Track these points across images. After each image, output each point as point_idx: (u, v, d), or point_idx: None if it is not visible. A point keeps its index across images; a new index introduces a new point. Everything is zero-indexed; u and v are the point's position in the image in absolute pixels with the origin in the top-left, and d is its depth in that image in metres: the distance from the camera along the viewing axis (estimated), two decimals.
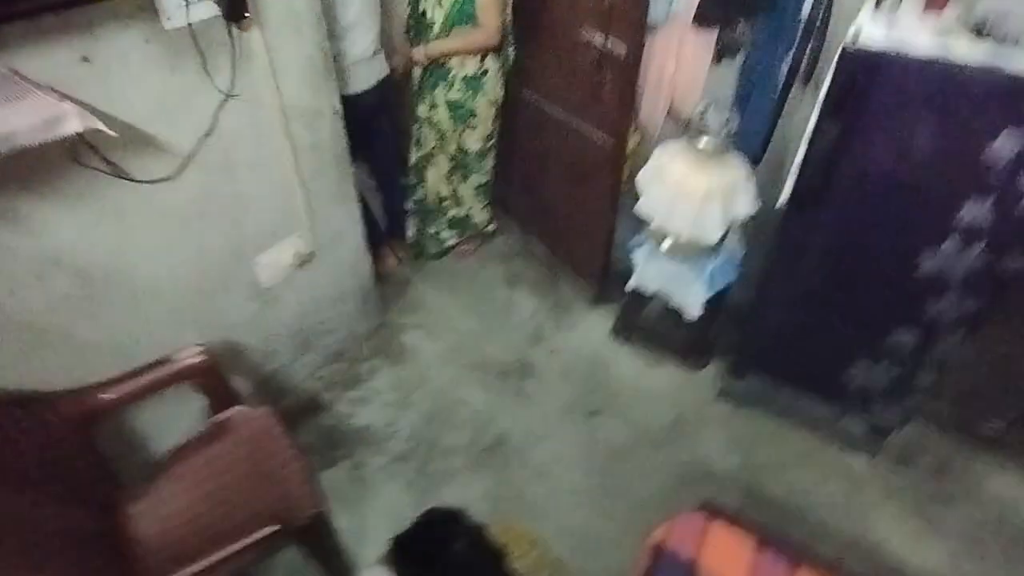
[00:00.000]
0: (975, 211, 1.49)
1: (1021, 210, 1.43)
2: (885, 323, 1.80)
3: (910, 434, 2.17)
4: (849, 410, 2.08)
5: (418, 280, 2.80)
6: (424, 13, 2.22)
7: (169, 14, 1.39)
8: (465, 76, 2.27)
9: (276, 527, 1.30)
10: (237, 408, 1.70)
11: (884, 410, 1.99)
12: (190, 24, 1.43)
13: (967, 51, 1.37)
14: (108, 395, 1.50)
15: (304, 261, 2.06)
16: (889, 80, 1.45)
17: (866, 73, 1.46)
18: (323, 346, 2.35)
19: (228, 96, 1.60)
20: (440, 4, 2.17)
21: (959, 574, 1.85)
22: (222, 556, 1.27)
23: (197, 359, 1.61)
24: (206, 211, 1.70)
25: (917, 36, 1.43)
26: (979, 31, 1.39)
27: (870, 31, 1.47)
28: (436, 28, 2.21)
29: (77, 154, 1.35)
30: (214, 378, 1.66)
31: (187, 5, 1.41)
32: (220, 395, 1.69)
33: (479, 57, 2.25)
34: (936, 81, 1.40)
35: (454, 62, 2.26)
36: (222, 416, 1.70)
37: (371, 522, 1.92)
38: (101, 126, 1.21)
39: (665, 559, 1.23)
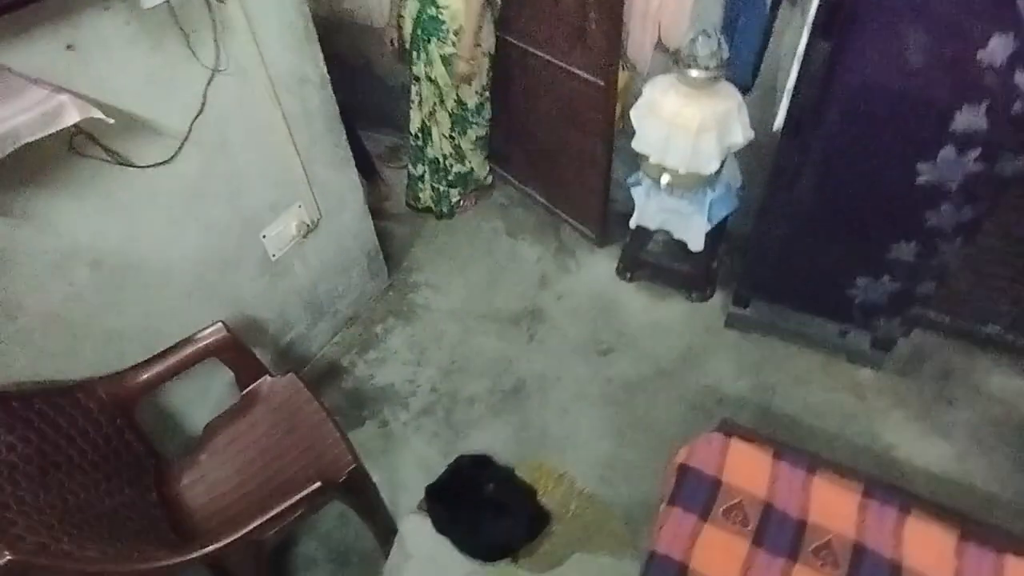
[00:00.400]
0: (969, 118, 1.50)
1: (1014, 112, 1.44)
2: (884, 239, 1.84)
3: (913, 343, 2.25)
4: (853, 326, 2.14)
5: (421, 238, 2.82)
6: None
7: None
8: (459, 28, 2.24)
9: (318, 484, 1.37)
10: (264, 378, 1.76)
11: (886, 323, 2.05)
12: (168, 1, 1.41)
13: None
14: (142, 377, 1.55)
15: (309, 230, 2.08)
16: None
17: None
18: (336, 312, 2.40)
19: (215, 71, 1.59)
20: None
21: (966, 470, 1.94)
22: (271, 515, 1.34)
23: (220, 335, 1.66)
24: (208, 190, 1.71)
25: None
26: None
27: None
28: None
29: (76, 145, 1.35)
30: (238, 352, 1.71)
31: None
32: (246, 367, 1.75)
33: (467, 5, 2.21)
34: None
35: (446, 14, 2.22)
36: (251, 387, 1.76)
37: (403, 474, 2.02)
38: (98, 114, 1.21)
39: (690, 476, 1.30)
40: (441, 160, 2.66)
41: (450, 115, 2.50)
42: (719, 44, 1.89)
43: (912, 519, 1.21)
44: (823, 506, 1.23)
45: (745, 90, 2.09)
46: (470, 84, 2.41)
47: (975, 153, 1.55)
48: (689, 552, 1.20)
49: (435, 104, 2.47)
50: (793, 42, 1.95)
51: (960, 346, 2.24)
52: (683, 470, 1.32)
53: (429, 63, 2.35)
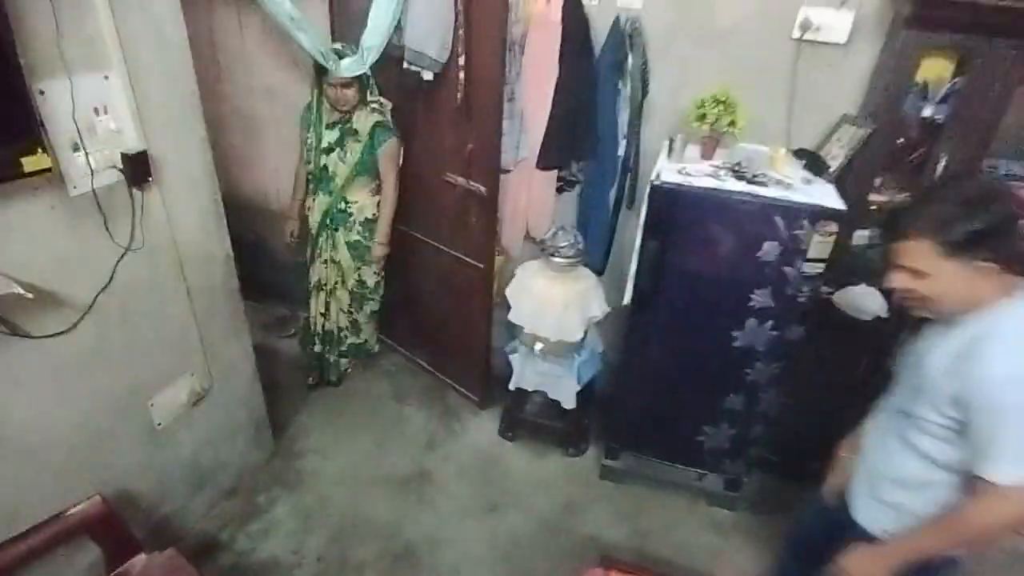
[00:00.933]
0: (762, 297, 1.97)
1: (788, 294, 1.94)
2: (719, 391, 2.21)
3: (757, 483, 2.58)
4: (707, 470, 2.44)
5: (307, 405, 2.86)
6: (326, 168, 2.48)
7: (75, 183, 1.53)
8: (364, 219, 2.56)
9: None
10: (139, 556, 1.67)
11: (732, 465, 2.38)
12: (94, 190, 1.57)
13: (732, 185, 1.89)
14: (2, 558, 1.43)
15: (200, 398, 2.10)
16: (686, 206, 1.93)
17: (669, 201, 1.94)
18: (217, 482, 2.32)
19: (127, 250, 1.71)
20: (342, 161, 2.45)
21: None
22: None
23: (94, 509, 1.59)
24: (101, 360, 1.73)
25: (698, 175, 1.95)
26: (738, 173, 1.94)
27: (667, 171, 1.97)
28: (338, 180, 2.48)
29: None
30: (113, 527, 1.63)
31: (92, 174, 1.56)
32: (119, 545, 1.65)
33: (376, 203, 2.54)
34: (716, 206, 1.89)
35: (354, 208, 2.53)
36: (122, 568, 1.65)
37: None
38: (19, 289, 1.29)
39: None
40: (336, 332, 2.82)
41: (350, 293, 2.72)
42: (575, 237, 2.34)
43: None
44: None
45: (599, 273, 2.54)
46: (372, 265, 2.67)
47: (770, 323, 2.01)
48: None
49: (336, 283, 2.69)
50: (632, 236, 2.45)
51: (795, 485, 2.59)
52: None
53: (334, 248, 2.60)
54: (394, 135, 2.46)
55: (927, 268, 1.16)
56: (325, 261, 2.65)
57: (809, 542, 1.63)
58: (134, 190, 1.68)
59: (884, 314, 2.16)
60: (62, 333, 1.60)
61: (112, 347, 1.76)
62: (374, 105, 2.41)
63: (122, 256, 1.70)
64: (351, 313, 2.78)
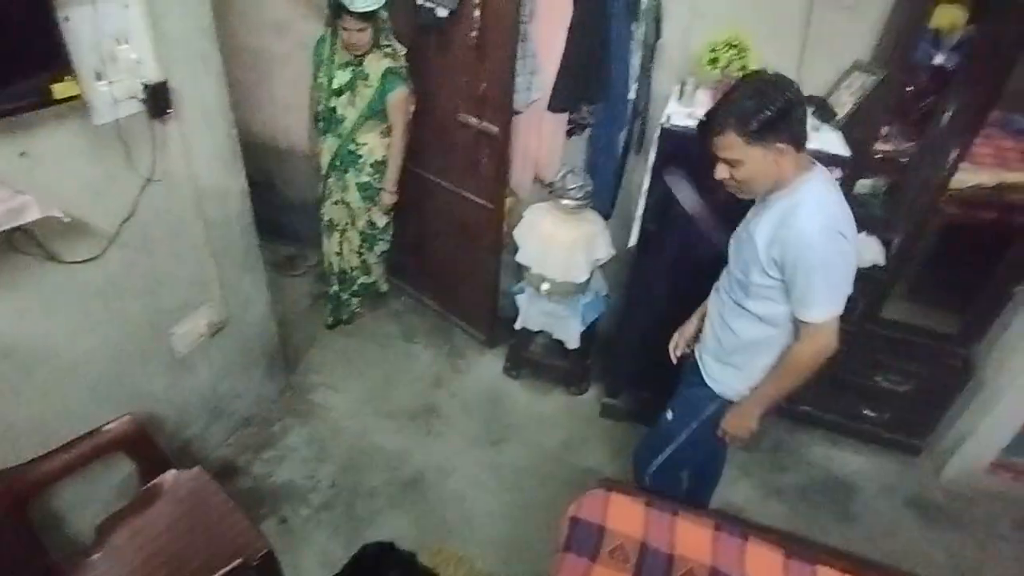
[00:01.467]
0: None
1: None
2: None
3: None
4: None
5: (317, 343, 2.95)
6: (335, 110, 2.48)
7: (99, 112, 1.56)
8: (374, 161, 2.57)
9: (240, 559, 1.41)
10: (169, 471, 1.77)
11: None
12: (117, 120, 1.60)
13: None
14: (42, 470, 1.53)
15: (216, 329, 2.18)
16: (694, 149, 1.96)
17: (678, 145, 1.97)
18: (234, 411, 2.43)
19: (148, 181, 1.76)
20: (352, 104, 2.45)
21: (798, 525, 2.32)
22: None
23: (129, 427, 1.68)
24: (126, 287, 1.80)
25: None
26: None
27: (677, 115, 1.99)
28: (347, 124, 2.48)
29: (15, 241, 1.44)
30: (144, 445, 1.73)
31: (115, 103, 1.59)
32: (151, 461, 1.75)
33: (386, 145, 2.55)
34: None
35: (364, 150, 2.54)
36: (153, 481, 1.76)
37: (306, 570, 2.02)
38: (58, 212, 1.34)
39: (580, 526, 1.53)
40: (348, 272, 2.88)
41: (360, 233, 2.76)
42: (584, 180, 2.38)
43: (750, 544, 1.52)
44: (685, 541, 1.51)
45: (606, 216, 2.59)
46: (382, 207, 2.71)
47: None
48: None
49: (347, 224, 2.74)
50: (639, 181, 2.49)
51: (786, 424, 2.73)
52: (573, 521, 1.55)
53: (345, 189, 2.63)
54: (405, 83, 2.44)
55: (739, 156, 1.37)
56: (336, 202, 2.69)
57: (674, 376, 1.93)
58: (154, 122, 1.71)
59: (881, 262, 2.23)
60: (90, 260, 1.66)
61: (135, 276, 1.82)
62: (387, 50, 2.40)
63: (143, 187, 1.75)
64: (361, 253, 2.83)
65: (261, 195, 3.28)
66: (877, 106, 1.98)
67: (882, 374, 2.45)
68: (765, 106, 1.31)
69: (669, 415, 1.84)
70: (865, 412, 2.58)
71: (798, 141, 1.37)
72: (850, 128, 2.02)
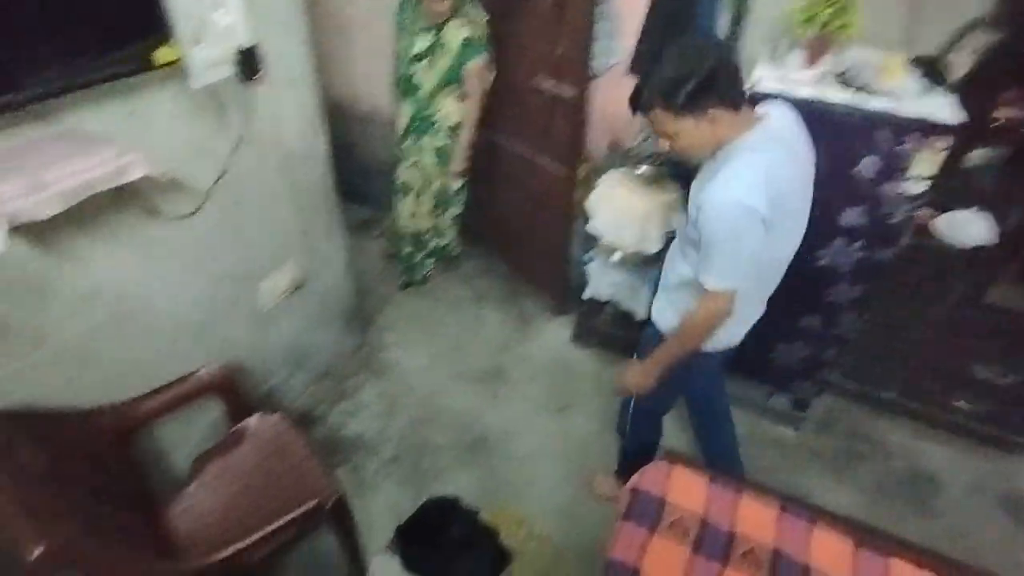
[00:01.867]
0: (853, 216, 1.91)
1: (883, 213, 1.86)
2: (796, 311, 2.20)
3: (825, 406, 2.59)
4: (775, 389, 2.47)
5: (392, 303, 3.05)
6: (412, 76, 2.51)
7: (196, 76, 1.64)
8: (450, 126, 2.60)
9: (315, 501, 1.51)
10: (254, 416, 1.91)
11: (801, 385, 2.39)
12: (212, 83, 1.68)
13: (835, 95, 1.79)
14: (144, 408, 1.68)
15: (297, 286, 2.29)
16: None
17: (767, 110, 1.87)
18: (312, 365, 2.56)
19: (239, 142, 1.85)
20: (430, 71, 2.47)
21: (871, 514, 2.22)
22: (269, 530, 1.47)
23: (219, 373, 1.82)
24: (218, 243, 1.92)
25: (800, 83, 1.85)
26: (843, 81, 1.82)
27: (766, 79, 1.88)
28: (424, 90, 2.52)
29: (122, 196, 1.56)
30: (233, 390, 1.86)
31: (210, 68, 1.66)
32: (238, 405, 1.89)
33: (462, 109, 2.57)
34: (816, 117, 1.79)
35: (439, 116, 2.57)
36: (240, 424, 1.90)
37: (374, 517, 2.14)
38: (161, 171, 1.44)
39: (641, 497, 1.53)
40: (421, 234, 2.94)
41: (434, 197, 2.81)
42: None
43: (818, 529, 1.47)
44: (747, 519, 1.48)
45: (685, 184, 2.50)
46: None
47: (858, 244, 1.95)
48: (640, 559, 1.41)
49: (421, 187, 2.79)
50: None
51: (864, 409, 2.60)
52: (635, 492, 1.55)
53: (420, 152, 2.68)
54: (483, 52, 2.42)
55: (672, 130, 1.37)
56: (411, 165, 2.73)
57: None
58: (245, 85, 1.79)
59: (990, 241, 2.05)
60: (187, 217, 1.77)
61: (226, 233, 1.93)
62: (468, 18, 2.38)
63: (234, 148, 1.84)
64: (435, 216, 2.88)
65: (341, 158, 3.40)
66: (997, 68, 1.80)
67: (981, 364, 2.27)
68: (688, 78, 1.29)
69: (635, 356, 1.88)
70: (958, 404, 2.41)
71: (732, 102, 1.34)
72: (966, 93, 1.84)
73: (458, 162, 2.66)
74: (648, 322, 1.81)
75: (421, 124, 2.61)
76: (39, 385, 1.54)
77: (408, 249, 3.01)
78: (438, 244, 3.00)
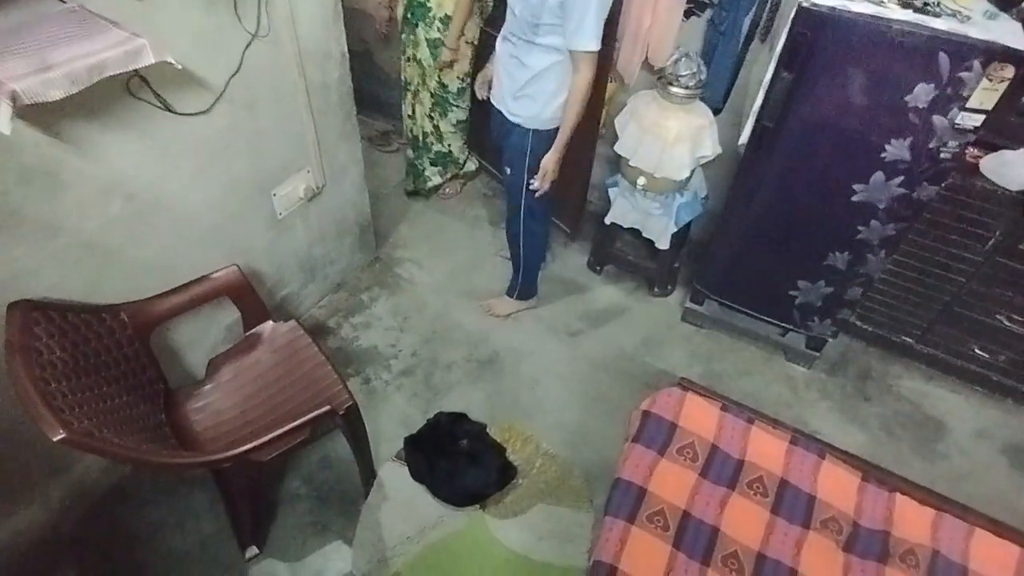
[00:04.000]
0: (897, 149, 1.81)
1: (931, 147, 1.76)
2: (823, 248, 2.13)
3: (840, 347, 2.57)
4: (791, 327, 2.44)
5: (407, 220, 3.00)
6: None
7: None
8: (444, 15, 2.47)
9: (327, 407, 1.53)
10: (268, 322, 1.91)
11: (819, 324, 2.36)
12: None
13: (896, 13, 1.65)
14: (162, 306, 1.68)
15: (314, 195, 2.25)
16: (834, 35, 1.72)
17: (816, 28, 1.73)
18: (326, 276, 2.56)
19: (254, 36, 1.75)
20: None
21: (875, 454, 2.24)
22: (283, 431, 1.49)
23: (234, 276, 1.80)
24: (233, 144, 1.86)
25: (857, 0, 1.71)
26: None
27: None
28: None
29: (132, 87, 1.50)
30: (247, 294, 1.85)
31: None
32: (252, 310, 1.89)
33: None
34: (870, 38, 1.68)
35: (433, 2, 2.44)
36: (255, 329, 1.90)
37: (384, 427, 2.18)
38: (172, 58, 1.36)
39: (652, 420, 1.54)
40: (422, 138, 2.86)
41: (432, 95, 2.71)
42: (698, 67, 2.17)
43: (826, 463, 1.48)
44: (757, 449, 1.49)
45: (716, 111, 2.38)
46: (452, 68, 2.62)
47: (899, 179, 1.86)
48: (648, 479, 1.43)
49: (419, 84, 2.70)
50: (760, 74, 2.24)
51: (878, 352, 2.58)
52: (646, 415, 1.56)
53: (415, 45, 2.57)
54: None
55: None
56: (409, 59, 2.64)
57: (498, 140, 2.18)
58: None
59: None
60: (201, 114, 1.71)
61: (241, 134, 1.87)
62: None
63: (249, 43, 1.75)
64: (433, 118, 2.80)
65: (360, 67, 3.26)
66: None
67: (1006, 312, 2.22)
68: None
69: (508, 170, 2.16)
70: (975, 351, 2.37)
71: None
72: None
73: (446, 52, 2.52)
74: (509, 133, 2.04)
75: (416, 12, 2.49)
76: (56, 277, 1.53)
77: (411, 154, 2.95)
78: (440, 150, 2.92)
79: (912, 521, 1.41)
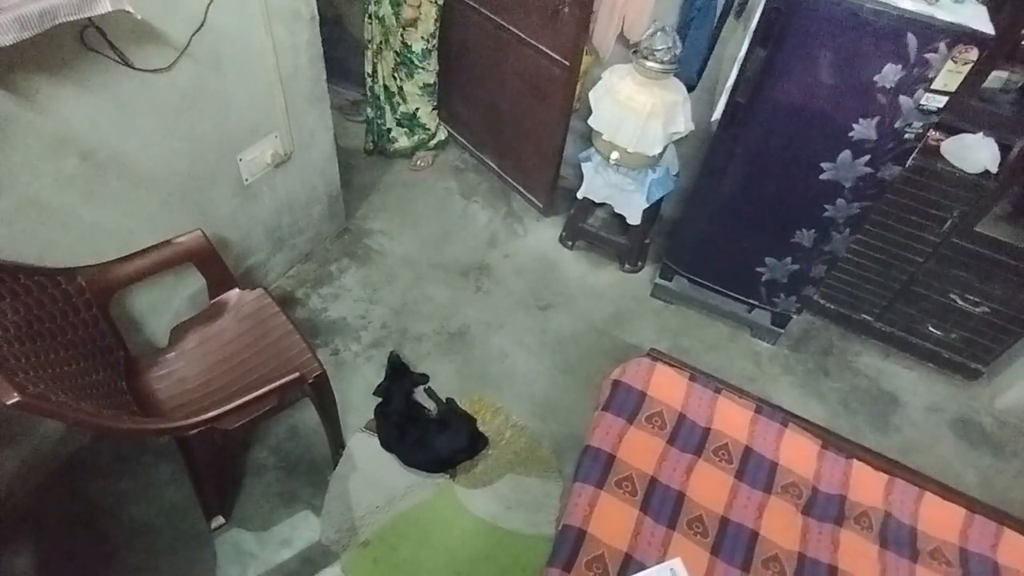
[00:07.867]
0: (864, 129, 1.84)
1: (896, 127, 1.80)
2: (790, 225, 2.18)
3: (803, 325, 2.64)
4: (758, 304, 2.49)
5: (377, 191, 2.95)
6: None
7: None
8: None
9: (297, 374, 1.51)
10: (234, 290, 1.87)
11: (785, 301, 2.41)
12: None
13: None
14: (121, 271, 1.62)
15: (282, 161, 2.19)
16: (808, 13, 1.74)
17: (790, 6, 1.75)
18: (294, 246, 2.50)
19: None
20: None
21: (833, 426, 2.30)
22: (251, 397, 1.46)
23: (198, 242, 1.75)
24: (196, 104, 1.79)
25: None
26: None
27: None
28: None
29: (87, 38, 1.42)
30: (212, 260, 1.80)
31: None
32: (217, 277, 1.84)
33: None
34: (843, 16, 1.69)
35: None
36: (220, 297, 1.86)
37: (353, 398, 2.16)
38: (129, 7, 1.30)
39: (621, 389, 1.56)
40: (384, 96, 2.84)
41: (396, 55, 2.68)
42: (674, 42, 2.17)
43: (788, 431, 1.53)
44: (723, 418, 1.53)
45: (690, 88, 2.38)
46: (416, 28, 2.57)
47: (865, 158, 1.90)
48: (617, 446, 1.45)
49: (381, 42, 2.66)
50: (734, 51, 2.25)
51: (839, 330, 2.66)
52: (616, 384, 1.58)
53: (378, 1, 2.53)
54: None
55: None
56: (370, 16, 2.60)
57: None
58: None
59: (994, 168, 2.02)
60: (162, 71, 1.63)
61: (205, 94, 1.80)
62: None
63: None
64: (397, 78, 2.77)
65: (331, 34, 3.17)
66: None
67: (959, 292, 2.31)
68: None
69: None
70: (929, 329, 2.47)
71: None
72: (997, 6, 1.73)
73: (408, 10, 2.48)
74: None
75: None
76: (4, 237, 1.46)
77: (371, 111, 2.92)
78: (405, 111, 2.88)
79: (867, 486, 1.48)
